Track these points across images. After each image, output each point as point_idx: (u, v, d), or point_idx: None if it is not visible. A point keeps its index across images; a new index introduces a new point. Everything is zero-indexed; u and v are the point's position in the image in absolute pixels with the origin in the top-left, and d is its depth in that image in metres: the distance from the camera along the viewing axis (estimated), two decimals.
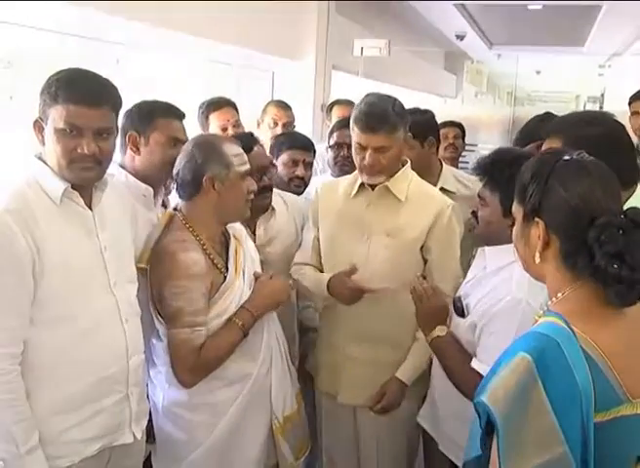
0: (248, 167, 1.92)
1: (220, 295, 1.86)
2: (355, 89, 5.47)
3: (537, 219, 1.20)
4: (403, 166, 2.17)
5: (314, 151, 2.71)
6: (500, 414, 1.09)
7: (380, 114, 2.02)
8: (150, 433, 1.92)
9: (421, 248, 2.13)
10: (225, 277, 1.88)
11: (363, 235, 2.14)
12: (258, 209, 2.28)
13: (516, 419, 1.08)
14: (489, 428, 1.14)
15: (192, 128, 3.18)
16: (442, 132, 3.88)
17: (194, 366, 1.79)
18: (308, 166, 2.63)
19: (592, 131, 1.55)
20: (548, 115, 2.99)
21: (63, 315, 1.54)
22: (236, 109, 3.08)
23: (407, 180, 2.16)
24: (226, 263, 1.92)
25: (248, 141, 2.25)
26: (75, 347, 1.56)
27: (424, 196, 2.16)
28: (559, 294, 1.19)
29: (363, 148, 2.06)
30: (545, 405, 1.07)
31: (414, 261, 2.14)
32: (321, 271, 2.26)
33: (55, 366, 1.54)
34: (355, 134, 2.08)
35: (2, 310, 1.46)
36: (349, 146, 2.73)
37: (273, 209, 2.38)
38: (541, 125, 2.67)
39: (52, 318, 1.53)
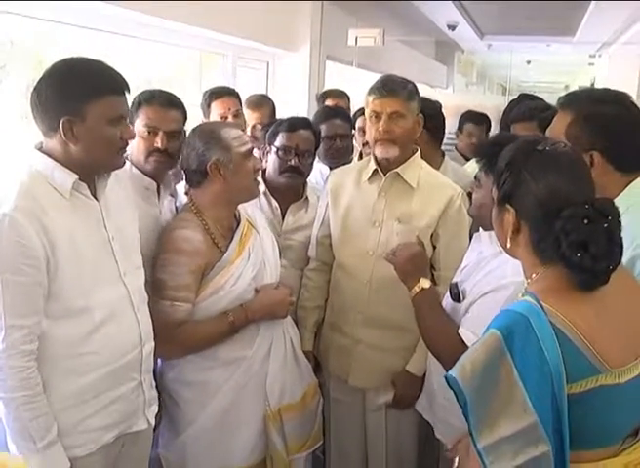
0: (249, 146, 1.95)
1: (214, 274, 1.88)
2: (349, 79, 5.46)
3: (508, 207, 1.25)
4: (413, 154, 2.19)
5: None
6: (469, 388, 1.14)
7: (396, 81, 2.09)
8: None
9: (432, 235, 2.15)
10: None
11: (375, 221, 2.16)
12: (288, 192, 2.37)
13: (485, 392, 1.13)
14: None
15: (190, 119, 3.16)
16: (465, 127, 3.87)
17: (168, 340, 1.81)
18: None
19: (605, 109, 1.53)
20: (525, 97, 3.00)
21: (78, 307, 1.54)
22: (239, 99, 3.08)
23: (418, 168, 2.19)
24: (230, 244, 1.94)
25: (299, 122, 2.38)
26: (91, 338, 1.56)
27: (435, 184, 2.19)
28: (533, 275, 1.25)
29: (378, 116, 2.08)
30: (514, 377, 1.12)
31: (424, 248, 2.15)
32: (329, 265, 2.30)
33: (71, 357, 1.54)
34: (370, 103, 2.10)
35: (18, 309, 1.45)
36: (341, 137, 2.80)
37: (307, 199, 2.42)
38: (515, 105, 2.70)
39: (67, 311, 1.52)
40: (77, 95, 1.48)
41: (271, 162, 2.39)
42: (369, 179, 2.20)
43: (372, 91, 2.10)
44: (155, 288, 1.85)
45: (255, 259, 1.97)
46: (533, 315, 1.14)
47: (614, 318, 1.22)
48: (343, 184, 2.26)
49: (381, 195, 2.16)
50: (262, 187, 2.41)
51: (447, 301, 1.87)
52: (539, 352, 1.11)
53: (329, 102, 3.67)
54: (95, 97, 1.49)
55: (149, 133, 1.96)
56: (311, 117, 2.93)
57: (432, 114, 2.70)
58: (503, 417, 1.12)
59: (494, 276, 1.70)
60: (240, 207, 2.04)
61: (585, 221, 1.15)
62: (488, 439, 1.13)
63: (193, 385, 1.95)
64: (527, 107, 2.65)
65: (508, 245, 1.28)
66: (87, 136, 1.50)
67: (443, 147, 2.96)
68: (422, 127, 2.62)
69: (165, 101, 2.01)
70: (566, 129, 1.54)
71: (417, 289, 1.78)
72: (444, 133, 2.82)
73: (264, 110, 3.33)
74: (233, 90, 3.12)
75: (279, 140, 2.37)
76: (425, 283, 1.78)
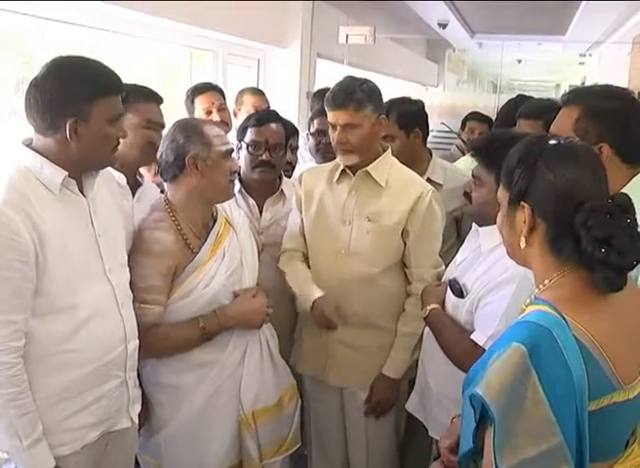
0: (229, 147, 1.94)
1: (186, 275, 1.86)
2: (340, 77, 5.43)
3: (522, 204, 1.19)
4: (384, 151, 2.19)
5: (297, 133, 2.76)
6: (496, 406, 1.08)
7: (346, 91, 2.06)
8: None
9: (402, 232, 2.15)
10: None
11: (345, 220, 2.15)
12: (263, 187, 2.36)
13: (512, 411, 1.07)
14: (481, 421, 1.13)
15: (178, 115, 3.15)
16: (468, 124, 3.87)
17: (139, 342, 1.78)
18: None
19: (612, 104, 1.53)
20: (522, 98, 3.00)
21: (64, 305, 1.53)
22: (222, 94, 3.10)
23: (387, 166, 2.17)
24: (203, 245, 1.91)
25: (267, 116, 2.38)
26: (76, 336, 1.55)
27: (405, 181, 2.18)
28: (546, 282, 1.19)
29: (334, 127, 2.10)
30: (540, 395, 1.06)
31: (395, 246, 2.16)
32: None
33: (56, 355, 1.53)
34: (327, 114, 2.12)
35: (7, 305, 1.44)
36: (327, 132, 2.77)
37: (283, 193, 2.40)
38: (516, 108, 2.70)
39: (53, 308, 1.51)
40: (84, 95, 1.49)
41: (243, 158, 2.38)
42: (338, 179, 2.20)
43: (326, 101, 2.11)
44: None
45: (230, 260, 1.94)
46: (556, 328, 1.09)
47: (627, 330, 1.17)
48: (317, 184, 2.25)
49: (352, 194, 2.16)
50: (238, 186, 2.40)
51: (449, 298, 1.88)
52: (564, 368, 1.06)
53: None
54: (99, 98, 1.50)
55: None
56: (305, 115, 2.93)
57: (414, 114, 2.69)
58: (528, 437, 1.06)
59: (496, 269, 1.71)
60: (219, 205, 2.02)
61: (608, 216, 1.10)
62: (511, 460, 1.07)
63: (165, 387, 1.93)
64: (537, 105, 2.63)
65: (522, 245, 1.20)
66: (89, 136, 1.51)
67: (439, 146, 2.95)
68: (404, 127, 2.62)
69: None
70: (574, 124, 1.54)
71: (428, 308, 1.90)
72: (428, 131, 2.81)
73: (265, 97, 3.45)
74: (216, 85, 3.16)
75: (248, 136, 2.36)
76: (435, 304, 1.91)
